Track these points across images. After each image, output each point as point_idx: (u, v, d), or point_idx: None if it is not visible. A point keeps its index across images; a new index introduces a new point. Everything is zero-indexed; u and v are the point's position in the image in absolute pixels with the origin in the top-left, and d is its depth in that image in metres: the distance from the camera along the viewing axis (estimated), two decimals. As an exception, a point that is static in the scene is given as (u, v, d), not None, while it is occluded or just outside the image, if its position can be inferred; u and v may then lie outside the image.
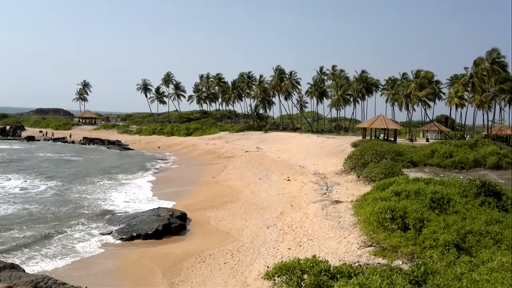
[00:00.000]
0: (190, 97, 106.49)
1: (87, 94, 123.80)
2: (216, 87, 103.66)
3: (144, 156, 59.92)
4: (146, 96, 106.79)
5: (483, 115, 71.90)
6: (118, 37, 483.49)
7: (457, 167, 32.61)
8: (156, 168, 45.10)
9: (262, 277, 10.85)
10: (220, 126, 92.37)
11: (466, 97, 73.14)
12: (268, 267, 12.67)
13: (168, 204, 26.32)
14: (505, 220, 14.44)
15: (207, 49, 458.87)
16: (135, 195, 29.94)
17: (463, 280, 8.24)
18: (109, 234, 20.25)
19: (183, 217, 22.15)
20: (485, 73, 58.80)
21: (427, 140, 59.22)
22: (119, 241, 19.34)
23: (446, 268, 9.95)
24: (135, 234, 19.67)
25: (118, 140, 79.18)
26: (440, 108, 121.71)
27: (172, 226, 20.46)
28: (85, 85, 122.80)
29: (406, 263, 11.95)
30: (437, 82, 79.71)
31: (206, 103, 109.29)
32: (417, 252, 12.26)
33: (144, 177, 38.69)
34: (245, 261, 15.82)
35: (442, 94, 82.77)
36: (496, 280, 8.84)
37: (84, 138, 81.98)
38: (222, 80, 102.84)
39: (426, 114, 76.59)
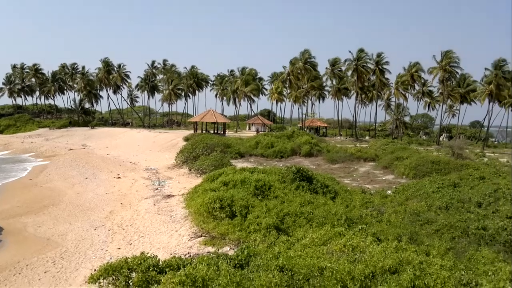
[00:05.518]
0: (0, 90, 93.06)
1: None
2: (33, 79, 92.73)
3: None
4: None
5: (298, 109, 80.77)
6: None
7: (277, 156, 36.12)
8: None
9: (86, 282, 10.19)
10: (38, 122, 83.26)
11: (284, 93, 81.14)
12: (95, 270, 11.97)
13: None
14: (315, 201, 16.53)
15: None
16: None
17: (280, 258, 9.12)
18: None
19: (-8, 227, 19.30)
20: (299, 71, 66.11)
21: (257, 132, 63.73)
22: None
23: (267, 249, 10.87)
24: None
25: None
26: (263, 102, 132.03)
27: (-22, 238, 17.65)
28: None
29: (233, 249, 12.65)
30: (260, 79, 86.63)
31: (21, 97, 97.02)
32: (243, 237, 13.10)
33: None
34: (70, 267, 14.62)
35: (264, 90, 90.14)
36: (307, 255, 10.02)
37: None
38: (40, 71, 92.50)
39: (251, 108, 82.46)
